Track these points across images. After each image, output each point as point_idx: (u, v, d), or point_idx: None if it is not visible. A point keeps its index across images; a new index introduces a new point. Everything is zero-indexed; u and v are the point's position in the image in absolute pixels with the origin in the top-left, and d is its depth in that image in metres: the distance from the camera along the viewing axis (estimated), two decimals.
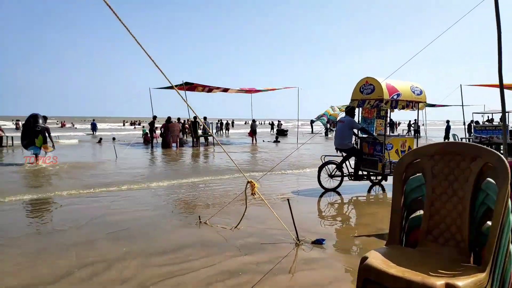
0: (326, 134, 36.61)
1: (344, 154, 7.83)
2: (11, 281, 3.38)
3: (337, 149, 7.86)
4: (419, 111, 8.20)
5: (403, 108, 7.76)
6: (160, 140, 19.77)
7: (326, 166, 7.73)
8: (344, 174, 7.83)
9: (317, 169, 7.76)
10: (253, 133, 23.02)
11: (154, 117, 20.27)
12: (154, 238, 4.64)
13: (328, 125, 34.39)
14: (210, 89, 20.61)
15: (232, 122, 55.93)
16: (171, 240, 4.56)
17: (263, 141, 24.39)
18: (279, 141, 23.46)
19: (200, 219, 5.31)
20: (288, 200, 4.48)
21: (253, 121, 23.71)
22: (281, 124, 37.69)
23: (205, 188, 8.06)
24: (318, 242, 4.40)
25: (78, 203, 6.61)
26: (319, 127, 36.25)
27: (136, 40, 3.24)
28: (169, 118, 19.62)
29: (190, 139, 21.41)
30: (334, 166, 7.79)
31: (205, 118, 19.84)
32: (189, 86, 19.61)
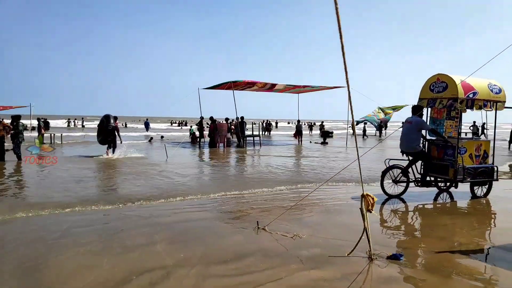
0: (380, 135, 35.10)
1: (411, 158, 7.14)
2: (72, 283, 3.21)
3: (403, 152, 7.19)
4: (497, 112, 7.28)
5: (480, 108, 6.93)
6: (207, 139, 19.81)
7: (390, 171, 7.09)
8: (410, 180, 7.15)
9: (380, 173, 7.15)
10: (298, 134, 22.46)
11: (202, 118, 20.36)
12: (211, 243, 4.34)
13: (380, 124, 32.99)
14: (256, 86, 20.27)
15: (276, 123, 55.43)
16: (229, 246, 4.24)
17: (310, 142, 23.76)
18: (326, 143, 22.70)
19: (258, 225, 4.94)
20: (361, 209, 3.98)
21: (298, 121, 23.13)
22: (324, 126, 36.72)
23: (260, 193, 7.68)
24: (395, 258, 3.87)
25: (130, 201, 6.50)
26: (359, 130, 34.91)
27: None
28: (211, 118, 19.64)
29: (235, 139, 21.30)
30: (399, 170, 7.13)
31: (242, 118, 19.52)
32: (236, 84, 19.46)
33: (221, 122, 19.00)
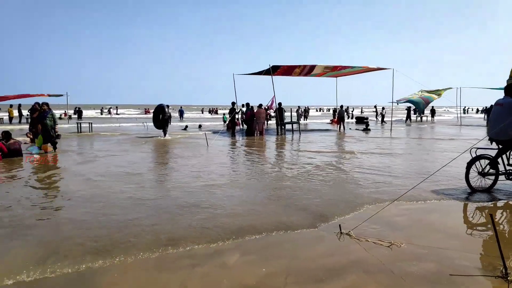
0: (426, 118, 33.28)
1: (501, 147, 6.09)
2: None
3: (492, 140, 6.14)
4: None
5: None
6: (237, 127, 19.21)
7: (477, 162, 6.09)
8: (500, 172, 6.11)
9: (466, 165, 6.15)
10: (340, 120, 21.33)
11: (233, 103, 19.42)
12: (292, 253, 3.59)
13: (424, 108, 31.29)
14: (296, 70, 19.32)
15: (308, 109, 54.05)
16: (315, 258, 3.48)
17: (350, 129, 22.58)
18: (369, 129, 21.47)
19: (341, 229, 4.15)
20: (491, 215, 3.10)
21: (341, 107, 21.95)
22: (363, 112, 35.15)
23: (331, 185, 6.85)
24: None
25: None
26: (401, 114, 33.16)
27: None
28: (247, 104, 18.92)
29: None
30: (487, 161, 6.10)
31: (280, 104, 18.60)
32: (275, 71, 18.62)
33: (259, 108, 18.20)
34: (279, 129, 18.46)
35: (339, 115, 21.50)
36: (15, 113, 26.36)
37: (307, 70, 19.59)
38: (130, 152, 11.24)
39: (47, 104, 11.24)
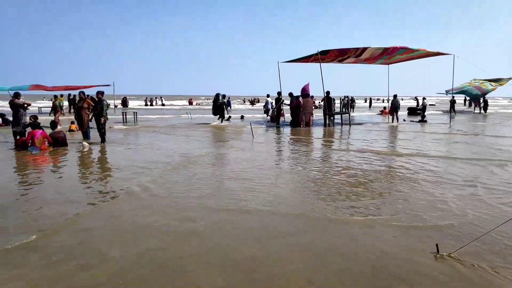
0: (480, 109, 30.57)
1: None
2: None
3: None
4: None
5: None
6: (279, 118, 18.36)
7: None
8: None
9: None
10: (393, 110, 19.75)
11: (279, 93, 18.69)
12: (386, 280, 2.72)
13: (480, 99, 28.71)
14: (348, 54, 17.86)
15: (354, 99, 51.72)
16: None
17: (404, 120, 20.90)
18: (425, 121, 19.73)
19: (438, 249, 3.20)
20: None
21: (394, 96, 20.29)
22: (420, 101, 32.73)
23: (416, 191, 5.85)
24: None
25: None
26: (443, 104, 30.54)
27: None
28: (290, 94, 17.94)
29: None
30: None
31: (328, 93, 17.39)
32: (324, 57, 17.38)
33: (307, 98, 17.16)
34: (327, 120, 17.32)
35: (392, 105, 19.91)
36: (65, 103, 27.15)
37: (358, 53, 18.07)
38: (184, 138, 10.77)
39: (102, 93, 10.98)
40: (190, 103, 53.53)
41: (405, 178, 6.20)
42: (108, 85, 26.00)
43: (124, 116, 19.80)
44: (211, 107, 19.27)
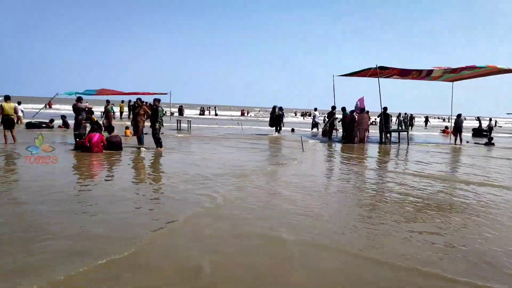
0: None
1: None
2: None
3: None
4: None
5: None
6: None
7: None
8: None
9: None
10: (457, 131, 18.30)
11: (333, 107, 18.32)
12: None
13: None
14: (407, 75, 17.06)
15: (413, 117, 49.28)
16: None
17: (467, 142, 19.31)
18: (493, 144, 18.07)
19: None
20: None
21: (458, 116, 18.82)
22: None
23: None
24: None
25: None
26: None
27: None
28: (343, 108, 17.49)
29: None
30: None
31: (385, 109, 16.51)
32: (382, 72, 16.65)
33: (362, 114, 16.48)
34: (383, 137, 16.47)
35: (456, 125, 18.48)
36: (126, 109, 28.63)
37: (423, 75, 17.18)
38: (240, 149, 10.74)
39: (159, 100, 11.30)
40: (242, 113, 54.27)
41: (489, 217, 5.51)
42: (166, 94, 27.00)
43: (179, 124, 20.35)
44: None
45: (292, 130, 22.77)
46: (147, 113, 11.55)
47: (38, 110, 24.65)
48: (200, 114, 46.26)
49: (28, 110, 25.76)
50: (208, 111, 50.30)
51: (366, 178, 8.21)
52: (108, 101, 18.30)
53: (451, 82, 20.96)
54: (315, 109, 23.07)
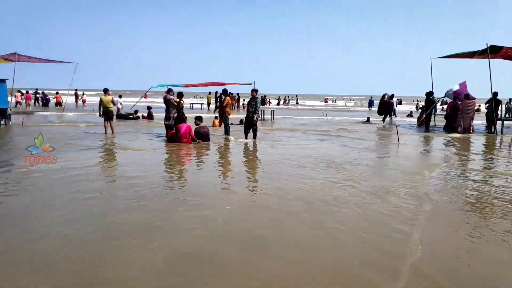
0: None
1: None
2: None
3: None
4: None
5: None
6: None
7: None
8: None
9: None
10: None
11: (430, 93, 16.10)
12: None
13: None
14: None
15: None
16: None
17: None
18: None
19: None
20: None
21: None
22: None
23: None
24: None
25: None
26: None
27: None
28: (429, 93, 15.76)
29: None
30: None
31: (495, 94, 14.10)
32: (493, 52, 14.34)
33: (467, 100, 14.46)
34: (492, 128, 14.25)
35: None
36: (213, 100, 29.67)
37: None
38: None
39: (256, 90, 11.16)
40: (326, 101, 53.02)
41: None
42: (250, 84, 27.23)
43: (262, 115, 20.15)
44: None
45: (367, 119, 20.45)
46: (231, 104, 11.51)
47: (134, 103, 26.74)
48: (278, 104, 45.28)
49: (126, 103, 28.03)
50: (287, 101, 48.92)
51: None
52: (210, 93, 18.79)
53: None
54: (392, 96, 20.75)
